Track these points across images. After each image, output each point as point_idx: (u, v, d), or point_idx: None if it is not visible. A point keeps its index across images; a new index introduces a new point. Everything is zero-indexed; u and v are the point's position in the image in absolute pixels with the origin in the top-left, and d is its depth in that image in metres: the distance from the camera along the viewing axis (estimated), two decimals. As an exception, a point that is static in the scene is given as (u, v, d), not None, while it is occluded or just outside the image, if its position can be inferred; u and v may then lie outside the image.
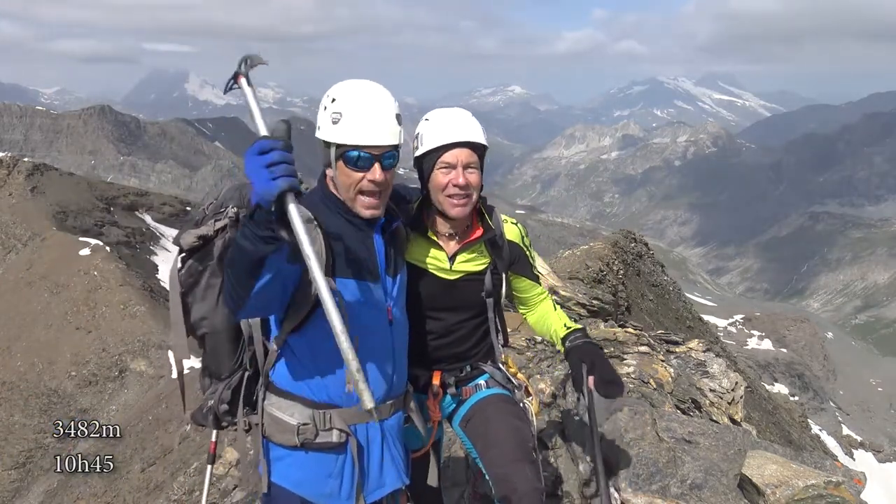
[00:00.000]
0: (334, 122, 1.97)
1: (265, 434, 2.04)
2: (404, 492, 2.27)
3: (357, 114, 1.96)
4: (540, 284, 2.60)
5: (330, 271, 1.95)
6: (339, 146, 1.98)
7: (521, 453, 2.28)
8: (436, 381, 2.46)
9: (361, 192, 2.01)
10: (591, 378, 2.35)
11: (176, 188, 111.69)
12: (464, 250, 2.40)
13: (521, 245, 2.51)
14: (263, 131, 1.68)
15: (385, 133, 1.98)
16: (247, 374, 2.12)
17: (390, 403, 2.15)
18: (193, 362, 2.57)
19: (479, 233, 2.40)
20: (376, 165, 1.98)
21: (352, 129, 1.96)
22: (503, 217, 2.49)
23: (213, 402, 2.14)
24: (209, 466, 2.65)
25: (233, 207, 2.07)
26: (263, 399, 2.06)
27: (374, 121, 1.97)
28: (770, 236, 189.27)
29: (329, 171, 2.08)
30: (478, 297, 2.43)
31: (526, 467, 2.24)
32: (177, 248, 2.11)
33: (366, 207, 2.02)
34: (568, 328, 2.52)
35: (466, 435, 2.45)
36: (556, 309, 2.63)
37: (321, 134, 2.03)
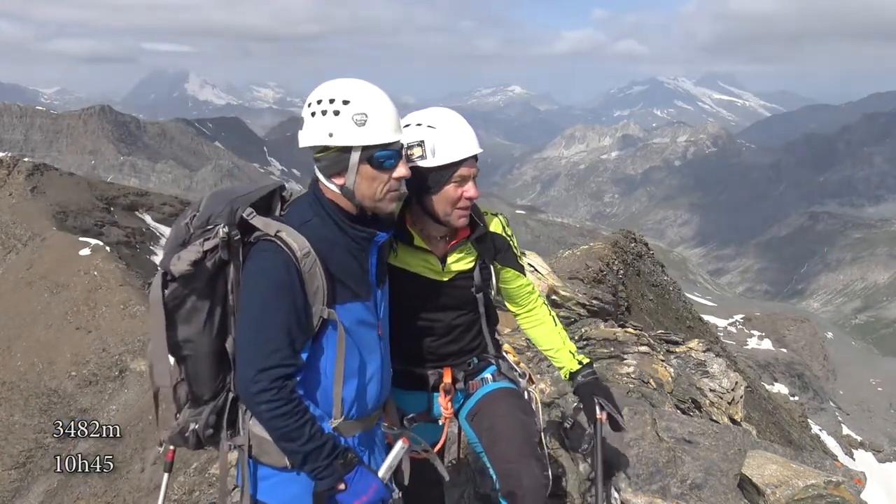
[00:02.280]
0: (360, 124, 1.90)
1: (252, 455, 1.99)
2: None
3: (382, 112, 1.93)
4: (525, 276, 2.58)
5: (330, 300, 1.93)
6: (364, 149, 1.92)
7: (527, 448, 2.30)
8: (447, 378, 2.46)
9: (389, 191, 2.00)
10: (603, 413, 2.48)
11: (176, 188, 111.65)
12: (453, 250, 2.39)
13: (504, 234, 2.50)
14: (386, 478, 2.04)
15: (400, 128, 2.01)
16: (230, 395, 2.02)
17: (376, 413, 2.17)
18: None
19: (466, 232, 2.38)
20: (402, 161, 2.00)
21: (381, 128, 1.92)
22: (483, 210, 2.48)
23: (197, 425, 2.03)
24: (166, 475, 2.60)
25: (224, 227, 1.88)
26: (249, 420, 1.98)
27: (395, 117, 1.98)
28: (770, 236, 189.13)
29: (337, 180, 1.96)
30: (469, 293, 2.44)
31: (532, 462, 2.26)
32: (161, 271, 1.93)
33: (393, 200, 2.04)
34: (580, 363, 2.57)
35: (472, 429, 2.46)
36: (556, 324, 2.62)
37: (341, 139, 1.90)
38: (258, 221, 1.91)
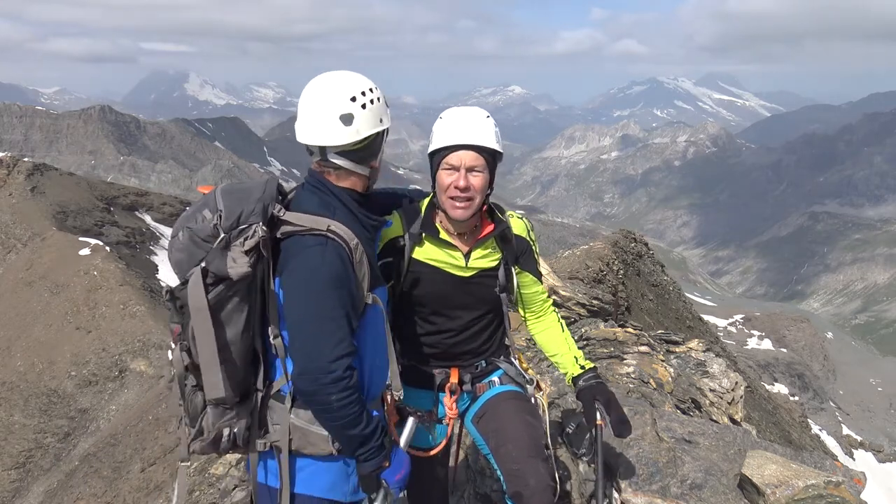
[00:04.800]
0: (387, 105, 2.13)
1: (292, 449, 1.98)
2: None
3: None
4: (542, 284, 2.59)
5: (371, 285, 2.01)
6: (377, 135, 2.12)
7: (534, 450, 2.31)
8: (454, 378, 2.47)
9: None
10: (605, 417, 2.45)
11: (176, 188, 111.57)
12: (477, 247, 2.39)
13: (528, 239, 2.51)
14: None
15: None
16: (260, 395, 2.01)
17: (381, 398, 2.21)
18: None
19: (490, 228, 2.38)
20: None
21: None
22: (509, 213, 2.50)
23: (231, 429, 1.97)
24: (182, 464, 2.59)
25: (262, 225, 1.87)
26: (290, 414, 1.97)
27: None
28: (770, 236, 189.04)
29: (373, 162, 2.11)
30: (492, 293, 2.43)
31: (539, 464, 2.28)
32: (200, 273, 1.86)
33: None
34: (582, 367, 2.54)
35: (478, 431, 2.47)
36: (563, 330, 2.62)
37: (387, 121, 2.09)
38: (291, 216, 1.93)
